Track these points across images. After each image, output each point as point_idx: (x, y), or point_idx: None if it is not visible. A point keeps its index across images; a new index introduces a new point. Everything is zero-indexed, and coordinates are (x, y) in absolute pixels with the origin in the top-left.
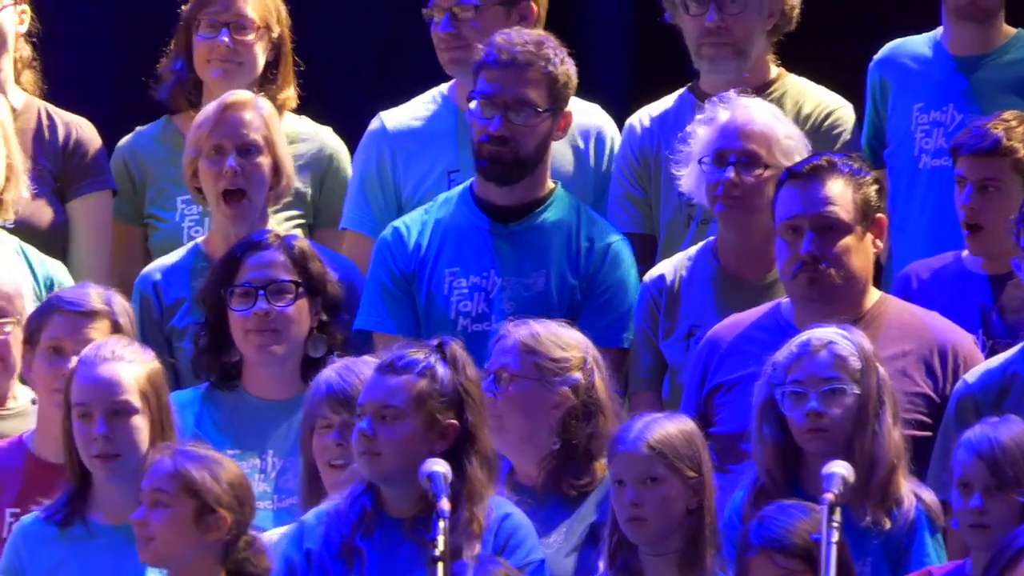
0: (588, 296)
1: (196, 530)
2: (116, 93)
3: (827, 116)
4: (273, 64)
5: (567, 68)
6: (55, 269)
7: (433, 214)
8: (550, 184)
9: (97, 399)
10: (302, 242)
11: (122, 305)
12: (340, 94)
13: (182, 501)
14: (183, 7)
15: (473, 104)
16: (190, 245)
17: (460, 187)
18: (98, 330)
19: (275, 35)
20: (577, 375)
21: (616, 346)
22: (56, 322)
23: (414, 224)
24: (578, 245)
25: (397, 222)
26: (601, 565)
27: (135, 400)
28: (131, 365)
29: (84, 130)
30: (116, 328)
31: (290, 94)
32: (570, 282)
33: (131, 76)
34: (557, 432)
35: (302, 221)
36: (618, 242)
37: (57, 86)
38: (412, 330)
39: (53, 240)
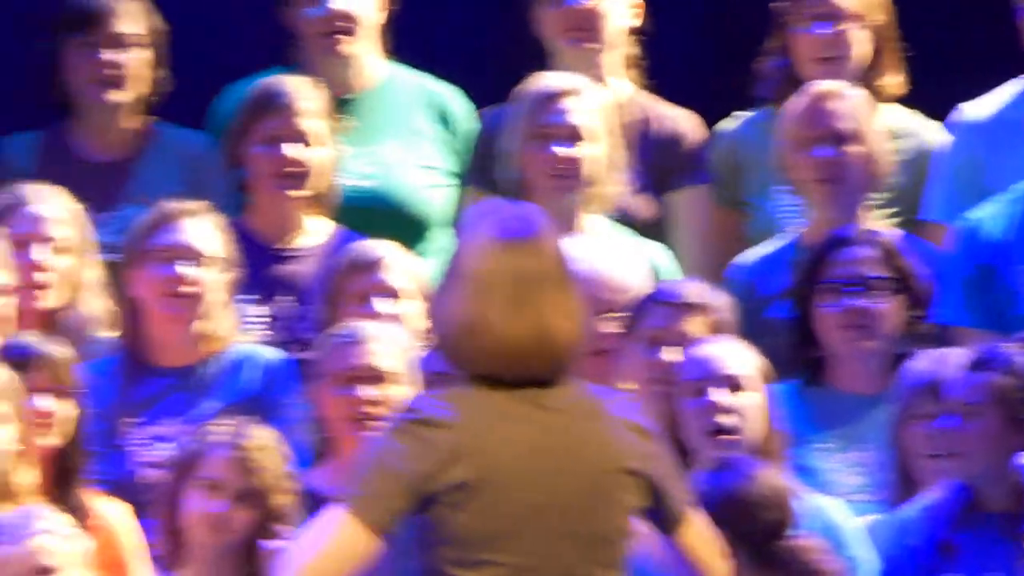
0: None
1: None
2: (715, 85)
3: None
4: (876, 53)
5: None
6: (659, 256)
7: (1016, 205)
8: None
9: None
10: (892, 237)
11: (723, 300)
12: (936, 85)
13: None
14: (778, 1)
15: None
16: (786, 236)
17: None
18: (696, 323)
19: (874, 23)
20: None
21: None
22: (653, 313)
23: (994, 216)
24: None
25: (976, 212)
26: None
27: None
28: None
29: (685, 123)
30: (715, 322)
31: (892, 82)
32: None
33: (729, 68)
34: None
35: (900, 219)
36: None
37: (659, 79)
38: (989, 324)
39: (652, 233)
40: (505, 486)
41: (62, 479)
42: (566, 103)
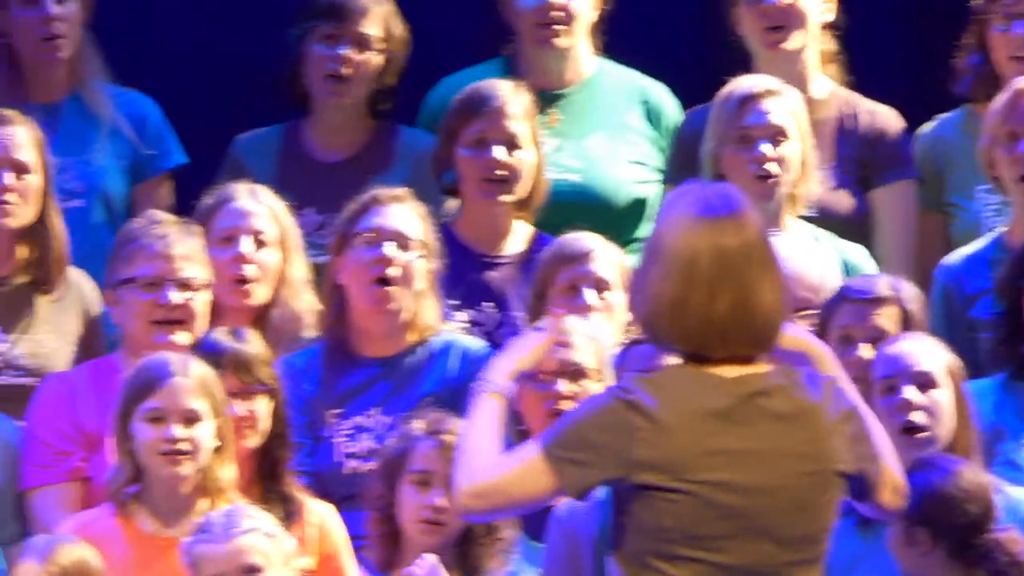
0: None
1: None
2: (915, 82)
3: None
4: None
5: None
6: (855, 254)
7: None
8: None
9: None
10: None
11: (912, 292)
12: None
13: None
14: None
15: None
16: (991, 235)
17: None
18: (886, 317)
19: None
20: None
21: None
22: (845, 311)
23: None
24: None
25: None
26: None
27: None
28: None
29: (887, 119)
30: (905, 316)
31: None
32: None
33: (929, 63)
34: None
35: None
36: None
37: (860, 75)
38: None
39: (854, 229)
40: (710, 483)
41: (267, 477)
42: (765, 104)
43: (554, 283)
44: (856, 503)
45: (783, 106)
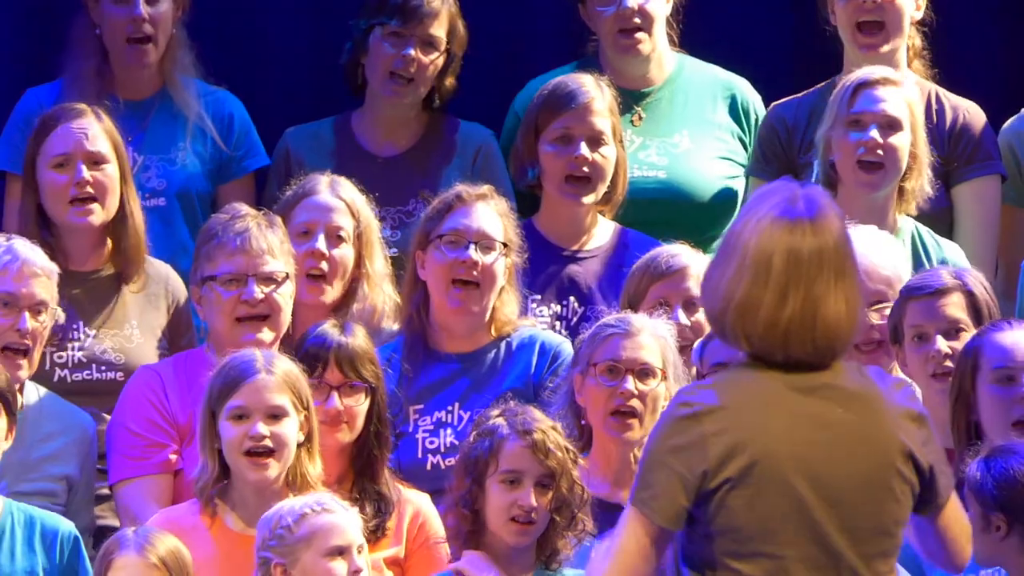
0: None
1: None
2: (1000, 76)
3: None
4: None
5: None
6: (951, 251)
7: None
8: None
9: None
10: None
11: (975, 276)
12: None
13: None
14: None
15: None
16: None
17: None
18: (954, 305)
19: None
20: None
21: None
22: (913, 309)
23: None
24: None
25: None
26: None
27: None
28: None
29: (972, 114)
30: (972, 300)
31: None
32: None
33: (1014, 58)
34: None
35: None
36: None
37: (945, 70)
38: None
39: (932, 224)
40: (781, 478)
41: (362, 473)
42: (881, 92)
43: (646, 296)
44: (918, 527)
45: (899, 96)
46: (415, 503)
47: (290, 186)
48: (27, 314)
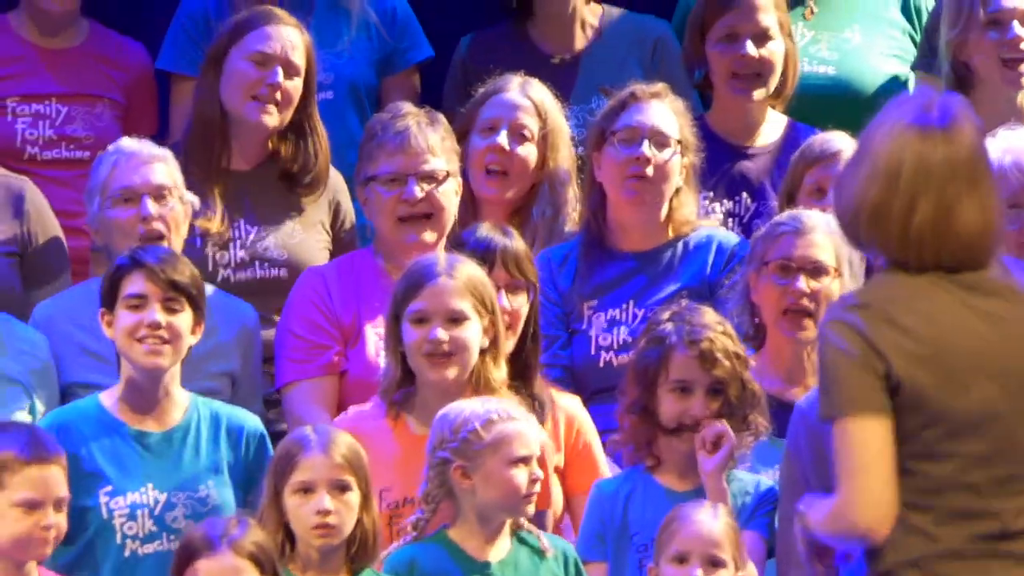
0: None
1: None
2: None
3: None
4: None
5: None
6: None
7: None
8: None
9: None
10: None
11: None
12: None
13: None
14: None
15: None
16: None
17: None
18: None
19: None
20: None
21: None
22: None
23: None
24: None
25: None
26: None
27: None
28: None
29: None
30: None
31: None
32: None
33: None
34: None
35: None
36: None
37: None
38: None
39: None
40: (956, 377)
41: (518, 375)
42: None
43: (802, 183)
44: None
45: None
46: (566, 408)
47: (467, 94)
48: (148, 199)
